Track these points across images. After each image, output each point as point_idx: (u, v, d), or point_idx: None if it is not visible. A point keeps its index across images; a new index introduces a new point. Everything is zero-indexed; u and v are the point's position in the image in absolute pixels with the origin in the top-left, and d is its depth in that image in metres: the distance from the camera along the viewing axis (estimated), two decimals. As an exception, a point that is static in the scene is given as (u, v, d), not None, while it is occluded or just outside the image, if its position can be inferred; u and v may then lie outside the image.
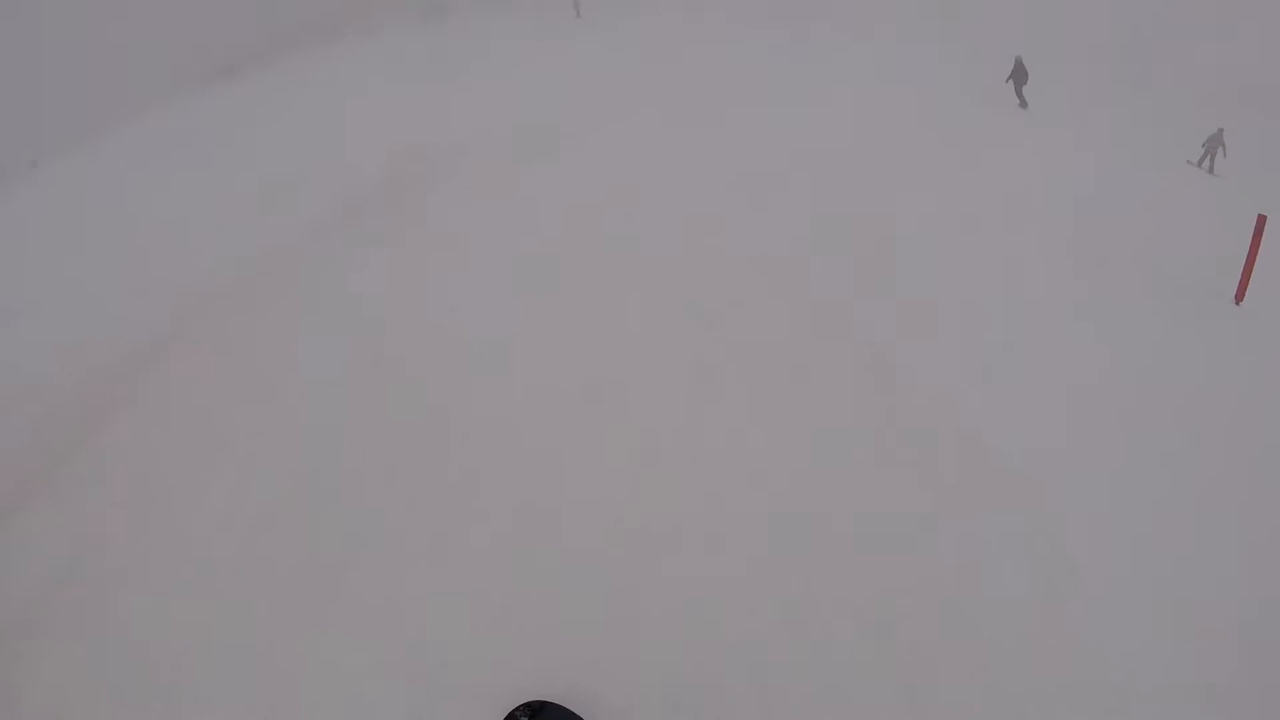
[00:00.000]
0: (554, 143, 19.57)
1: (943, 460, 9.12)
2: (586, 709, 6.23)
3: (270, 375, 11.22)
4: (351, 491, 8.89)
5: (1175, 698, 6.59)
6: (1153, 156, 19.57)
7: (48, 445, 10.22)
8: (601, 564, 7.78)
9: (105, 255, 15.86)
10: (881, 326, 11.74)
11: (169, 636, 7.37)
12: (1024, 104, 21.72)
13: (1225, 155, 19.03)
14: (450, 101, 23.43)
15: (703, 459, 9.15)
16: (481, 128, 20.75)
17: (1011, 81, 21.75)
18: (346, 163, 19.10)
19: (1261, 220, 12.20)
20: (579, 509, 8.46)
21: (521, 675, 6.61)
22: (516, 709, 6.03)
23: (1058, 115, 21.67)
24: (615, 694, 6.51)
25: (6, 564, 8.45)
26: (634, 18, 32.82)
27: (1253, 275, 12.52)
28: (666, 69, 25.38)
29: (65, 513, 9.08)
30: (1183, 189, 17.94)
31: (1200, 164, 19.21)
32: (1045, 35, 26.67)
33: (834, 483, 8.78)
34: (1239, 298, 12.71)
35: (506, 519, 8.38)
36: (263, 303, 13.19)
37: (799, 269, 13.30)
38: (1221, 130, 18.57)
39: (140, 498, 9.19)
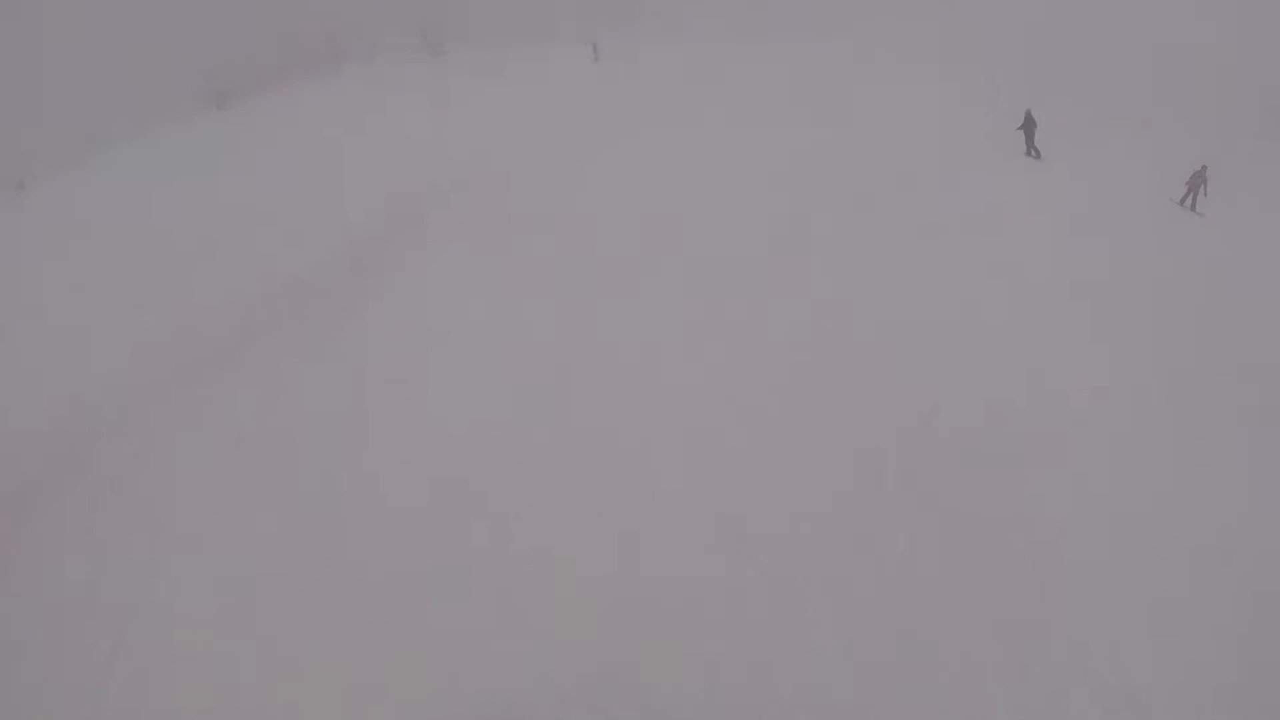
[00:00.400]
0: (548, 190, 18.42)
1: (941, 443, 9.12)
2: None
3: (268, 411, 10.87)
4: (342, 532, 8.67)
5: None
6: (1143, 192, 20.01)
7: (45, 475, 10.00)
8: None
9: (88, 283, 15.60)
10: (895, 321, 11.86)
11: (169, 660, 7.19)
12: (1035, 154, 22.20)
13: (1207, 194, 19.33)
14: (449, 137, 23.34)
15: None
16: (478, 169, 20.21)
17: (1023, 131, 22.27)
18: (339, 200, 18.67)
19: None
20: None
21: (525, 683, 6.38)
22: None
23: (1056, 153, 22.21)
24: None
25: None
26: (635, 56, 33.21)
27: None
28: (668, 108, 25.27)
29: (69, 536, 8.88)
30: (1168, 224, 18.26)
31: (1183, 202, 19.49)
32: (1048, 75, 27.45)
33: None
34: None
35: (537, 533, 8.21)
36: (259, 330, 12.96)
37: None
38: (1205, 168, 18.88)
39: (143, 522, 8.97)
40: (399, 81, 30.48)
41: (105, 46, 31.42)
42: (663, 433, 9.38)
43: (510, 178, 18.97)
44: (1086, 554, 7.74)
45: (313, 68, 32.41)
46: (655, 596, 7.23)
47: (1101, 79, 26.78)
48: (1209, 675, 6.64)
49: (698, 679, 6.42)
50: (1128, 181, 19.49)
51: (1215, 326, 12.15)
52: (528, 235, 15.27)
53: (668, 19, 38.99)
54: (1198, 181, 18.93)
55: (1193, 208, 19.16)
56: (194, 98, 29.87)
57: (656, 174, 17.74)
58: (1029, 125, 21.88)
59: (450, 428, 9.92)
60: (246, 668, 6.95)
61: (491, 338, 11.82)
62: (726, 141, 20.28)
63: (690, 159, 18.79)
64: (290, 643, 7.18)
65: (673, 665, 6.56)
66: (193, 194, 20.47)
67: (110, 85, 29.36)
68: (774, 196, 16.35)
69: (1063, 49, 29.15)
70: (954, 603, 7.18)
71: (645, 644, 6.74)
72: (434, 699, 6.56)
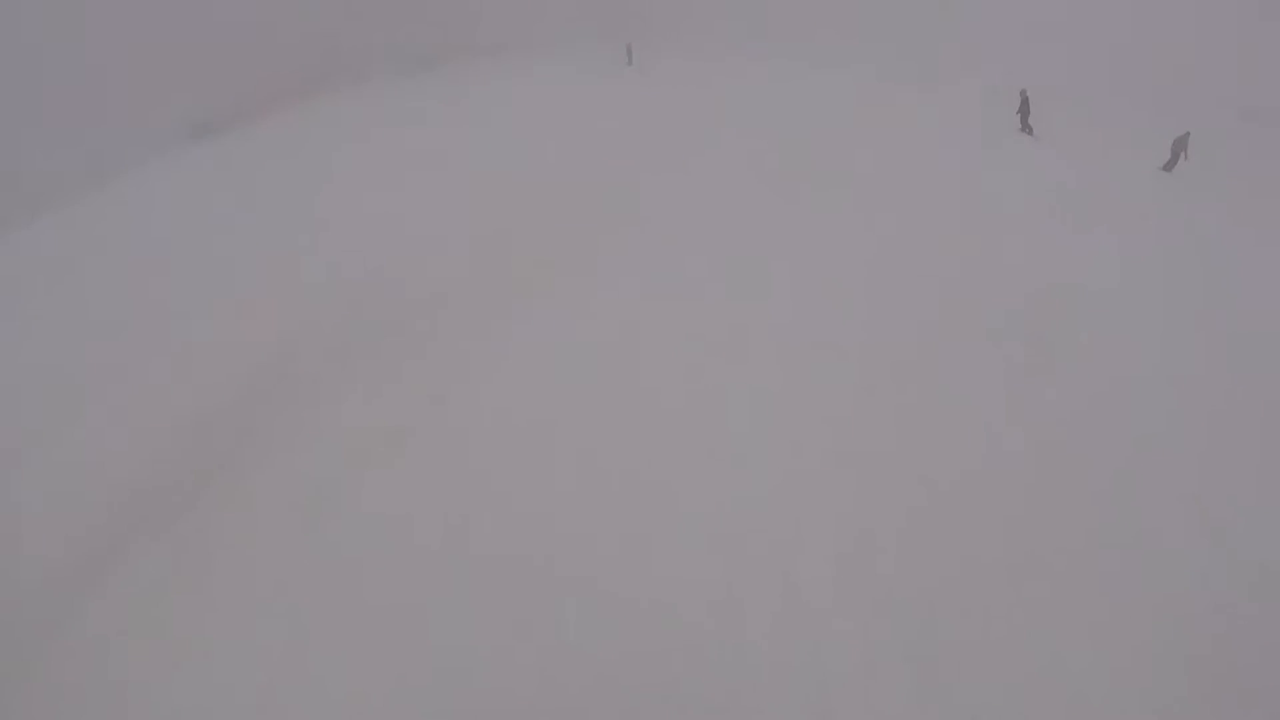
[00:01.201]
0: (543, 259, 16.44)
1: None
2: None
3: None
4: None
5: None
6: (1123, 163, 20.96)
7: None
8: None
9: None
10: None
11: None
12: (1028, 130, 23.67)
13: (1188, 158, 20.18)
14: (442, 186, 21.60)
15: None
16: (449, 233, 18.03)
17: (1019, 114, 24.08)
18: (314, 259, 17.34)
19: None
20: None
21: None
22: None
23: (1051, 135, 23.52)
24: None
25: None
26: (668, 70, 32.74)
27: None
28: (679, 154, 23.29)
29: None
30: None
31: (1166, 167, 20.35)
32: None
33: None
34: None
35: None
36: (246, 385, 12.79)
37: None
38: (1188, 134, 19.75)
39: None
40: (387, 114, 29.44)
41: (98, 78, 30.79)
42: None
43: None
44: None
45: (301, 93, 31.84)
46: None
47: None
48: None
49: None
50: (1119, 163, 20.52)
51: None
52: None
53: (686, 31, 38.49)
54: (1180, 146, 19.83)
55: (1169, 170, 20.11)
56: (177, 130, 29.23)
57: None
58: (1024, 106, 23.64)
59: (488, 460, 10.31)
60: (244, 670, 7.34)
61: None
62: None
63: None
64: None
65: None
66: (165, 242, 19.43)
67: (102, 119, 28.71)
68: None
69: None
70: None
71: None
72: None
